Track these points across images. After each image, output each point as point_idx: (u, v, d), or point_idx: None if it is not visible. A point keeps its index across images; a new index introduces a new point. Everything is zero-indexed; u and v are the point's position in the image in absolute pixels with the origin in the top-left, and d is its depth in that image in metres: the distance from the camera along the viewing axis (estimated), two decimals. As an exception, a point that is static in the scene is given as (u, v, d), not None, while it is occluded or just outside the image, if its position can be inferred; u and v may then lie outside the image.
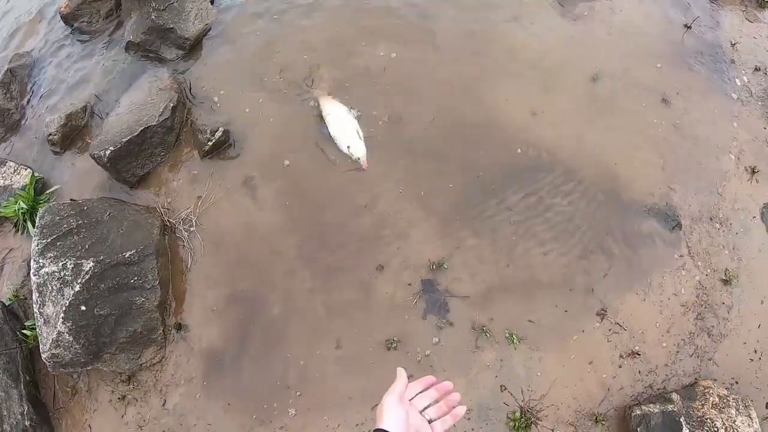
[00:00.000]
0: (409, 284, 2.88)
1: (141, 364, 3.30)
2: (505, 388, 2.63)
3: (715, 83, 3.58)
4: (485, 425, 2.58)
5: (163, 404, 3.16)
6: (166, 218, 3.39)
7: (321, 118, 3.42)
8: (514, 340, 2.69)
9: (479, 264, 2.89)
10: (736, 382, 3.05)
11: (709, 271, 3.13)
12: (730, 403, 2.89)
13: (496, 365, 2.65)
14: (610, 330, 2.81)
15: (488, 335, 2.70)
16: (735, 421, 2.84)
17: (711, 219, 3.25)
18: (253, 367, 2.93)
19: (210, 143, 3.44)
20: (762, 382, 3.07)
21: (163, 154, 3.62)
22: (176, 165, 3.53)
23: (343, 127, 3.33)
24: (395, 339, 2.75)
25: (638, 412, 2.72)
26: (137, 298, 3.22)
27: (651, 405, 2.75)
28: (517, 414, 2.57)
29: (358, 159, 3.21)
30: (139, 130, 3.50)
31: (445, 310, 2.77)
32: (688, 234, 3.15)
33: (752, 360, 3.10)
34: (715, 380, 3.00)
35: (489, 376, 2.65)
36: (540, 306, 2.81)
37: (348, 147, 3.24)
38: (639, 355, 2.81)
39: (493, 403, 2.61)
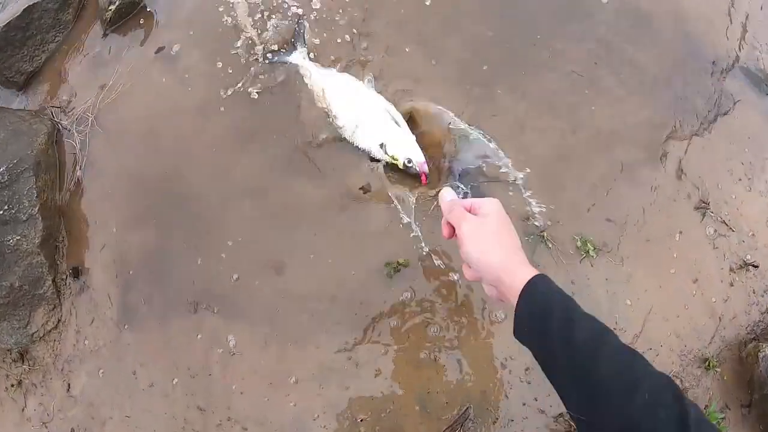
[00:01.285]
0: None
1: (33, 334, 1.97)
2: (582, 327, 1.47)
3: None
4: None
5: (68, 389, 1.88)
6: (58, 121, 2.05)
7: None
8: (589, 251, 1.52)
9: (527, 133, 1.69)
10: None
11: (815, 152, 2.03)
12: None
13: (566, 291, 1.47)
14: (714, 231, 1.68)
15: (550, 244, 1.53)
16: None
17: (806, 87, 2.14)
18: (178, 322, 1.68)
19: (112, 8, 2.08)
20: None
21: (58, 38, 2.22)
22: (76, 50, 2.16)
23: (369, 118, 1.66)
24: (400, 261, 1.54)
25: (767, 351, 1.61)
26: (9, 237, 1.88)
27: (782, 339, 1.64)
28: (604, 366, 1.42)
29: (411, 165, 1.59)
30: (21, 10, 2.13)
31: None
32: (786, 103, 2.04)
33: None
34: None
35: (556, 309, 1.47)
36: (619, 194, 1.64)
37: (383, 146, 1.62)
38: (756, 267, 1.69)
39: (564, 352, 1.44)
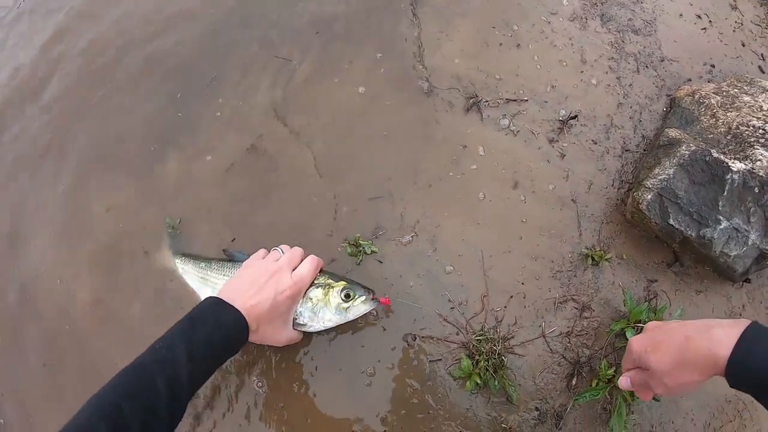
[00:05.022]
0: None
1: None
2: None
3: None
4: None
5: None
6: None
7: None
8: (365, 247, 1.10)
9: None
10: (712, 66, 1.59)
11: (568, -39, 1.66)
12: (732, 92, 1.44)
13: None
14: (504, 116, 1.29)
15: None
16: (762, 107, 1.38)
17: None
18: None
19: None
20: (733, 47, 1.63)
21: None
22: None
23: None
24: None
25: (648, 196, 1.21)
26: None
27: (657, 170, 1.24)
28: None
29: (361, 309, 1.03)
30: None
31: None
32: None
33: (705, 29, 1.65)
34: (689, 80, 1.54)
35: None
36: (372, 162, 1.24)
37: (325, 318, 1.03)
38: (575, 117, 1.30)
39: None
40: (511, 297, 1.10)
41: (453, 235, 1.15)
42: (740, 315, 1.29)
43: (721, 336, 0.72)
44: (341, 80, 1.37)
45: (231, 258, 1.13)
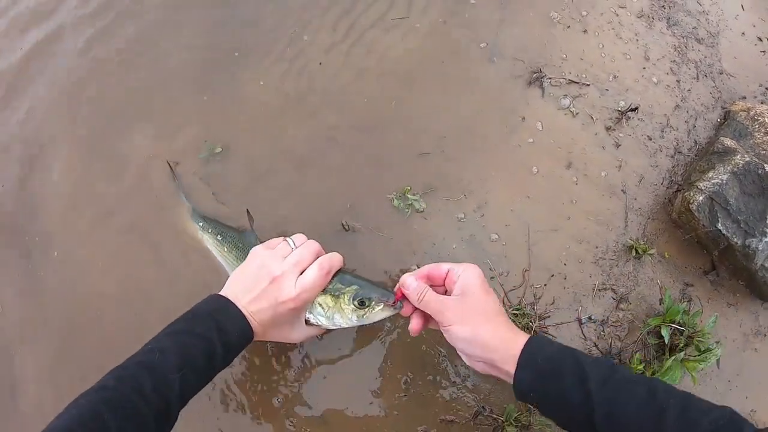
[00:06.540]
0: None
1: None
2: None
3: None
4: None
5: None
6: None
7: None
8: (413, 202, 1.05)
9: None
10: (767, 89, 1.56)
11: (641, -41, 1.62)
12: (786, 115, 1.41)
13: (411, 263, 1.01)
14: (566, 96, 1.23)
15: (358, 223, 1.05)
16: (817, 132, 1.36)
17: None
18: None
19: None
20: (787, 76, 1.61)
21: None
22: None
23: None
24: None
25: (700, 198, 1.17)
26: None
27: (710, 173, 1.20)
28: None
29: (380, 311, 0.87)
30: None
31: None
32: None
33: (764, 52, 1.62)
34: (744, 97, 1.51)
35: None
36: (428, 122, 1.18)
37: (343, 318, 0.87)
38: (635, 110, 1.26)
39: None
40: (552, 276, 1.06)
41: (502, 205, 1.10)
42: (766, 335, 1.27)
43: (507, 358, 0.73)
44: (405, 34, 1.32)
45: (242, 236, 1.01)
